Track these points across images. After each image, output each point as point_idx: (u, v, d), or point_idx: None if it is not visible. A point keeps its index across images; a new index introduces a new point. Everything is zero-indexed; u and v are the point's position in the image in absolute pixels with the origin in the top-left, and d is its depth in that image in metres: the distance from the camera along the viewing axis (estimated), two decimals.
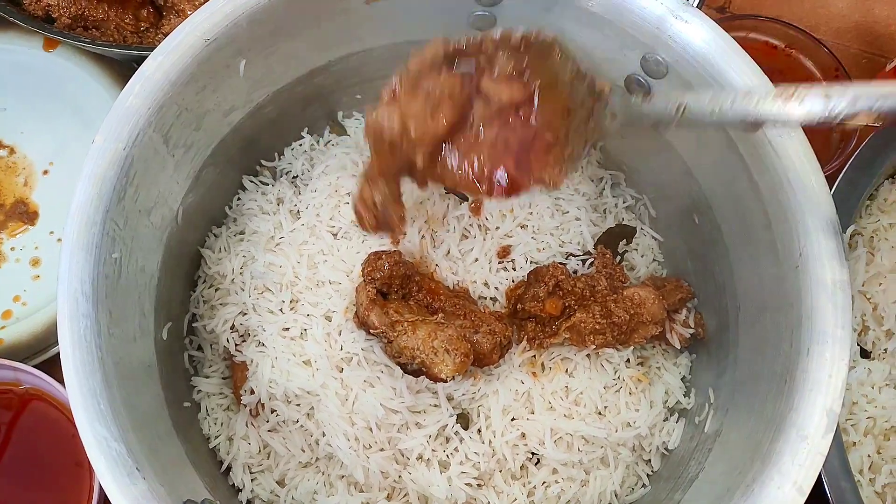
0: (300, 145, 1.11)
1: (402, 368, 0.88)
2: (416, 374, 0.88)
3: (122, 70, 1.19)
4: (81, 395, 0.67)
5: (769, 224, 0.85)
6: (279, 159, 1.11)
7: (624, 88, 1.00)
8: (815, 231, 0.80)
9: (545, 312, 0.94)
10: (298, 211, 1.03)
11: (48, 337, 1.03)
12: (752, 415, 0.83)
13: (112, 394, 0.70)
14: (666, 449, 0.98)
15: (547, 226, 1.02)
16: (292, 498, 0.91)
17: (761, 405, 0.82)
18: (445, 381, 0.85)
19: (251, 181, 1.08)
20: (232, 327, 0.98)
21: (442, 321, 0.88)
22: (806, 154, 0.82)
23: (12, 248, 1.10)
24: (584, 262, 1.02)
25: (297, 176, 1.09)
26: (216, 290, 1.01)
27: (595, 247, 1.03)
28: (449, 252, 0.98)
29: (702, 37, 0.85)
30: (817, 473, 0.71)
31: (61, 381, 0.93)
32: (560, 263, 0.98)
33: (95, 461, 0.65)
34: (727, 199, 0.93)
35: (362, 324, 0.90)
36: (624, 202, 1.13)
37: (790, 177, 0.82)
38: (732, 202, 0.92)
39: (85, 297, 0.71)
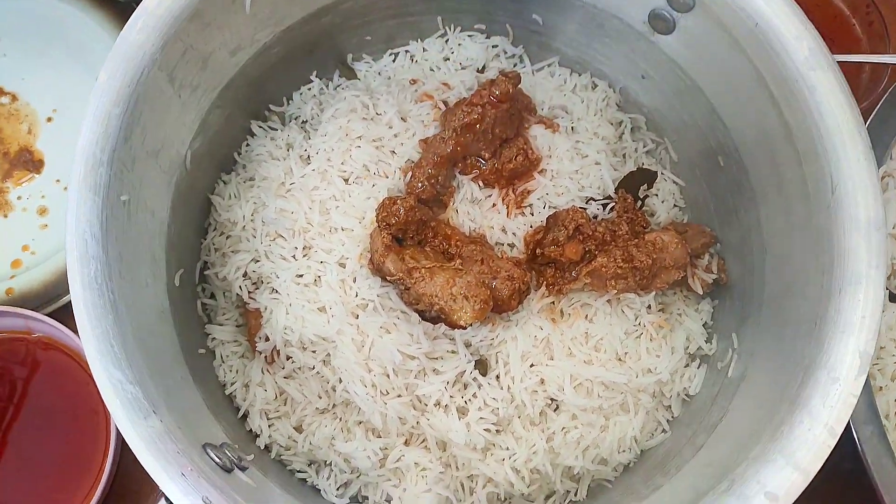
0: (309, 89, 1.08)
1: (420, 315, 0.86)
2: (434, 320, 0.86)
3: (125, 13, 1.14)
4: (94, 337, 0.66)
5: (800, 162, 0.82)
6: (288, 104, 1.08)
7: (648, 25, 0.96)
8: (848, 166, 0.76)
9: (565, 257, 0.92)
10: (309, 156, 1.00)
11: (59, 286, 1.02)
12: (779, 358, 0.81)
13: (125, 337, 0.68)
14: (687, 395, 0.96)
15: (566, 169, 0.99)
16: (310, 443, 0.91)
17: (789, 348, 0.80)
18: (464, 328, 0.83)
19: (259, 126, 1.04)
20: (244, 274, 0.96)
21: (460, 267, 0.86)
22: (840, 86, 0.79)
23: (19, 198, 1.08)
24: (604, 206, 0.99)
25: (307, 121, 1.06)
26: (227, 237, 0.99)
27: (615, 191, 1.00)
28: (472, 195, 0.96)
29: None
30: (849, 415, 0.70)
31: (74, 330, 0.92)
32: (580, 208, 0.96)
33: (110, 403, 0.64)
34: (755, 138, 0.90)
35: (378, 270, 0.88)
36: (644, 146, 1.10)
37: (822, 111, 0.79)
38: (760, 141, 0.89)
39: (94, 239, 0.69)
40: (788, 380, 0.77)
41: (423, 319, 0.86)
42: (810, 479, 0.69)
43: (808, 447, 0.70)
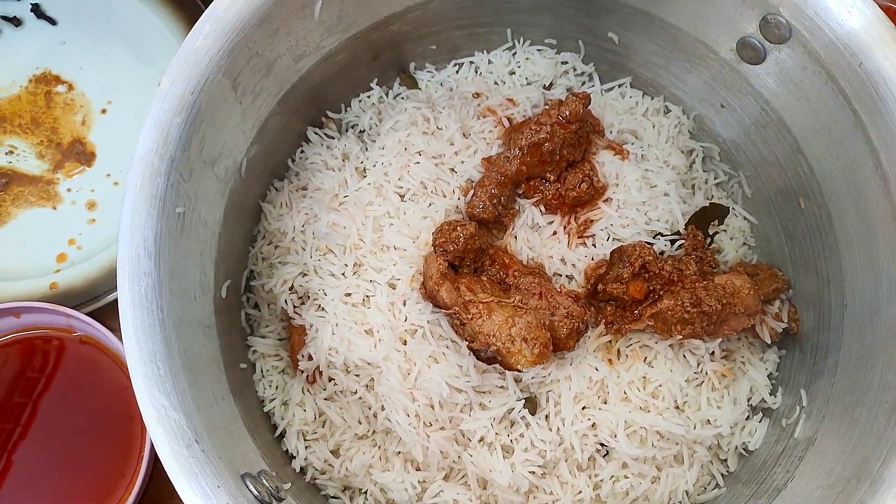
0: (368, 97, 1.04)
1: (474, 355, 0.82)
2: (489, 361, 0.82)
3: (183, 4, 1.12)
4: (141, 359, 0.63)
5: (894, 217, 0.76)
6: (346, 111, 1.04)
7: (735, 53, 0.90)
8: None
9: (628, 295, 0.86)
10: (365, 168, 0.96)
11: (104, 284, 1.00)
12: (857, 428, 0.75)
13: (172, 358, 0.65)
14: (745, 450, 0.91)
15: (633, 200, 0.93)
16: (346, 469, 0.87)
17: (870, 418, 0.74)
18: (520, 372, 0.79)
19: (315, 133, 1.01)
20: (291, 288, 0.93)
21: (520, 305, 0.82)
22: None
23: (69, 190, 1.06)
24: (671, 242, 0.93)
25: (364, 130, 1.03)
26: (276, 247, 0.96)
27: (685, 227, 0.94)
28: (532, 221, 0.91)
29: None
30: None
31: (114, 331, 0.90)
32: (646, 243, 0.90)
33: (153, 431, 0.61)
34: (844, 184, 0.83)
35: (430, 297, 0.84)
36: (715, 178, 1.04)
37: None
38: (850, 188, 0.82)
39: (147, 254, 0.66)
40: (868, 454, 0.71)
41: (478, 360, 0.82)
42: None
43: None
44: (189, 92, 0.70)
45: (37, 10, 1.12)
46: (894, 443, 0.68)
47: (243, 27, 0.74)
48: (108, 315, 0.96)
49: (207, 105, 0.73)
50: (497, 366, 0.85)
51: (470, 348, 0.82)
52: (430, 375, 0.83)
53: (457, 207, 0.92)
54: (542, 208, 0.93)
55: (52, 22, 1.13)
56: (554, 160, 0.90)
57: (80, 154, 1.07)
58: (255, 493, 0.67)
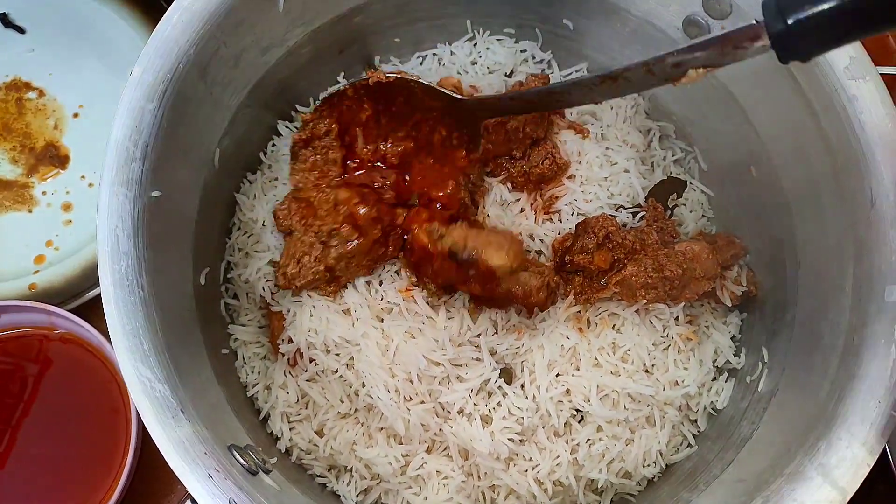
0: None
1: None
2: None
3: (153, 11, 1.14)
4: (124, 334, 0.65)
5: (836, 172, 0.81)
6: (314, 104, 1.07)
7: (682, 31, 0.94)
8: (889, 179, 0.75)
9: (594, 265, 0.90)
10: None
11: (81, 282, 1.01)
12: (814, 374, 0.79)
13: (155, 335, 0.67)
14: (714, 409, 0.95)
15: (595, 176, 0.97)
16: (331, 448, 0.89)
17: (824, 364, 0.78)
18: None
19: (286, 127, 1.04)
20: (266, 276, 0.95)
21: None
22: (882, 97, 0.77)
23: (44, 193, 1.08)
24: (633, 215, 0.97)
25: None
26: (250, 235, 0.98)
27: (645, 200, 0.98)
28: (501, 198, 0.95)
29: None
30: (889, 433, 0.68)
31: (97, 327, 0.92)
32: (609, 215, 0.94)
33: (139, 402, 0.63)
34: (790, 147, 0.88)
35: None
36: (673, 155, 1.08)
37: (863, 121, 0.77)
38: (796, 151, 0.87)
39: (126, 235, 0.68)
40: (824, 396, 0.75)
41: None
42: (848, 498, 0.67)
43: (846, 465, 0.68)
44: (160, 80, 0.73)
45: (5, 20, 1.14)
46: (845, 383, 0.72)
47: (210, 17, 0.76)
48: (88, 313, 0.97)
49: (178, 93, 0.75)
50: (472, 338, 0.88)
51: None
52: (407, 350, 0.86)
53: None
54: (510, 185, 0.97)
55: (21, 31, 1.14)
56: (518, 138, 0.93)
57: (54, 157, 1.09)
58: (243, 462, 0.69)
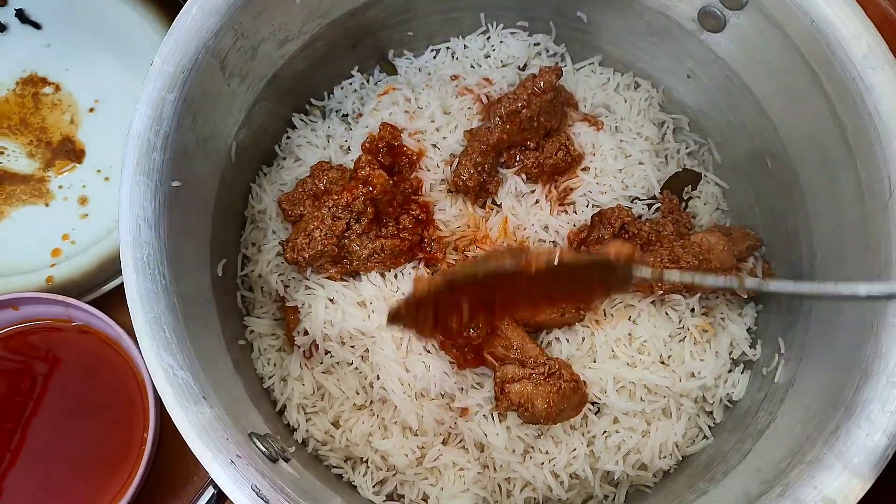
0: (350, 84, 1.08)
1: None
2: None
3: (169, 7, 1.15)
4: (147, 321, 0.65)
5: (854, 163, 0.80)
6: (329, 98, 1.07)
7: (697, 22, 0.95)
8: None
9: None
10: (349, 147, 1.00)
11: (98, 275, 1.02)
12: (832, 363, 0.79)
13: (176, 322, 0.68)
14: (730, 401, 0.95)
15: (610, 168, 0.98)
16: (347, 439, 0.90)
17: (842, 353, 0.78)
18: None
19: (301, 119, 1.04)
20: (278, 270, 0.95)
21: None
22: None
23: (60, 187, 1.08)
24: (648, 206, 0.97)
25: (347, 115, 1.06)
26: (260, 228, 0.98)
27: (660, 192, 0.98)
28: (516, 189, 0.95)
29: None
30: None
31: (113, 319, 0.92)
32: (625, 207, 0.94)
33: (162, 389, 0.63)
34: (806, 139, 0.88)
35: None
36: (687, 147, 1.08)
37: (880, 111, 0.77)
38: (812, 142, 0.87)
39: (147, 224, 0.68)
40: (842, 385, 0.75)
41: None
42: (869, 486, 0.67)
43: (866, 453, 0.68)
44: (180, 70, 0.73)
45: (21, 15, 1.14)
46: (863, 371, 0.72)
47: (229, 8, 0.77)
48: (104, 306, 0.97)
49: (198, 84, 0.76)
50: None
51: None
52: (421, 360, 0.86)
53: (441, 180, 0.96)
54: (524, 177, 0.97)
55: (37, 26, 1.15)
56: (532, 127, 0.93)
57: (70, 152, 1.09)
58: (263, 449, 0.69)
